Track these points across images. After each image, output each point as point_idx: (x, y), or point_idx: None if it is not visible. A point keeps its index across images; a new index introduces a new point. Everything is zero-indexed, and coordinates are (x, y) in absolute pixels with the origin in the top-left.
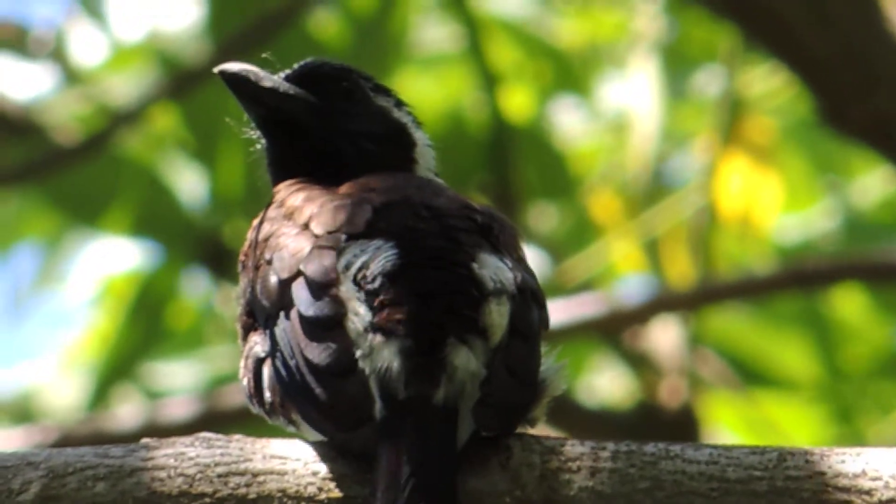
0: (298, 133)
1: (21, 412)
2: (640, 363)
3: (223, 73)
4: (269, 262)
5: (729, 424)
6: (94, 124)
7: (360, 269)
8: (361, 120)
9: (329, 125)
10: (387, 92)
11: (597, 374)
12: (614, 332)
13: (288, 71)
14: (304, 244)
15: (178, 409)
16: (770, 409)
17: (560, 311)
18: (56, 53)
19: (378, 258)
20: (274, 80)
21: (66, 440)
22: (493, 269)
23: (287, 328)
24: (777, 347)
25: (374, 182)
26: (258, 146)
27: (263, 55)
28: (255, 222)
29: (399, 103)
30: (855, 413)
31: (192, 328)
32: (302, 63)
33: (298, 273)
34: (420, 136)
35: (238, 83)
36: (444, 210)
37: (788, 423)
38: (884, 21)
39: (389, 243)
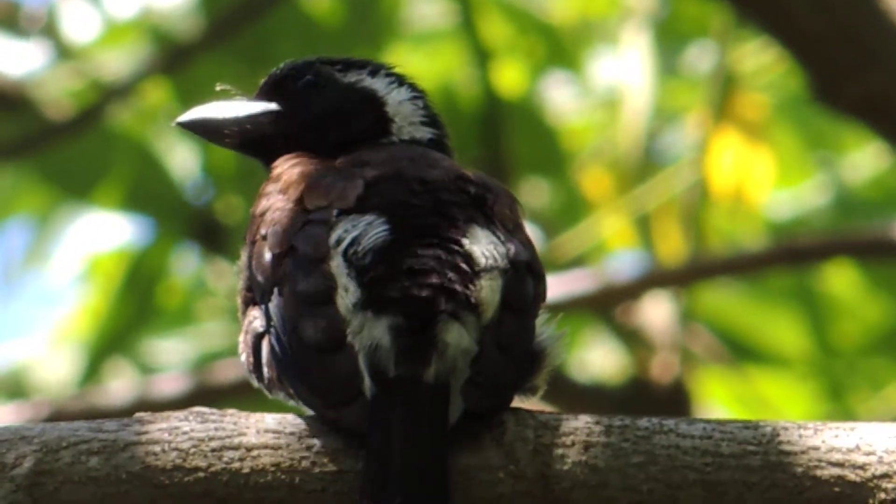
0: (269, 145)
1: (12, 388)
2: (632, 338)
3: (182, 125)
4: (264, 238)
5: (720, 400)
6: (87, 100)
7: (350, 245)
8: (324, 104)
9: (295, 125)
10: (360, 65)
11: (588, 349)
12: (606, 307)
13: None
14: (296, 219)
15: (170, 384)
16: (761, 384)
17: (552, 287)
18: (48, 29)
19: (369, 234)
20: (232, 107)
21: (58, 416)
22: (485, 243)
23: (280, 303)
24: (768, 323)
25: (368, 155)
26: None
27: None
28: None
29: (375, 71)
30: (846, 389)
31: (183, 304)
32: (267, 76)
33: (291, 248)
34: (396, 95)
35: (197, 128)
36: (437, 183)
37: (779, 400)
38: None
39: (381, 219)
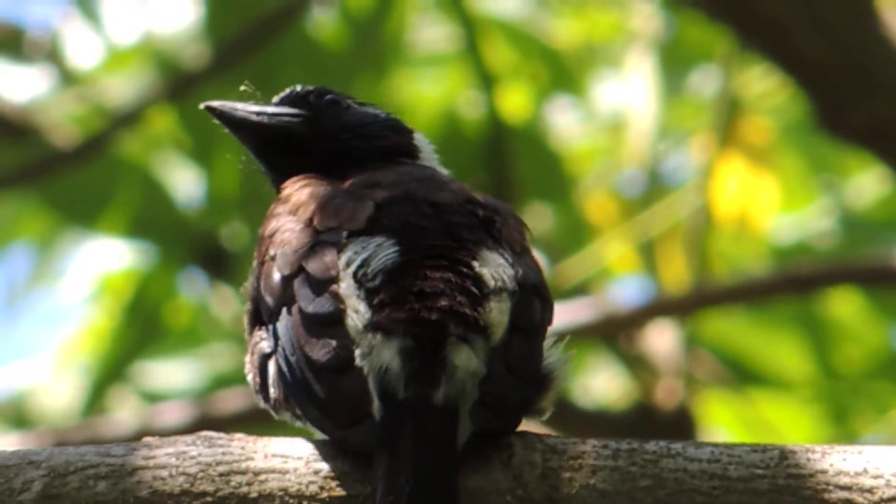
0: (295, 146)
1: (16, 416)
2: (636, 364)
3: (210, 109)
4: (273, 259)
5: (725, 424)
6: (91, 126)
7: (360, 267)
8: (352, 119)
9: (322, 130)
10: (371, 105)
11: (593, 374)
12: (610, 336)
13: (275, 99)
14: (306, 240)
15: (174, 413)
16: (765, 409)
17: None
18: (52, 55)
19: (379, 255)
20: (258, 107)
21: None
22: (493, 266)
23: (288, 324)
24: (772, 347)
25: (379, 176)
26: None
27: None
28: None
29: (385, 112)
30: (849, 413)
31: (188, 329)
32: (283, 92)
33: (300, 269)
34: (416, 131)
35: (226, 114)
36: (446, 205)
37: (784, 424)
38: (880, 26)
39: (391, 240)
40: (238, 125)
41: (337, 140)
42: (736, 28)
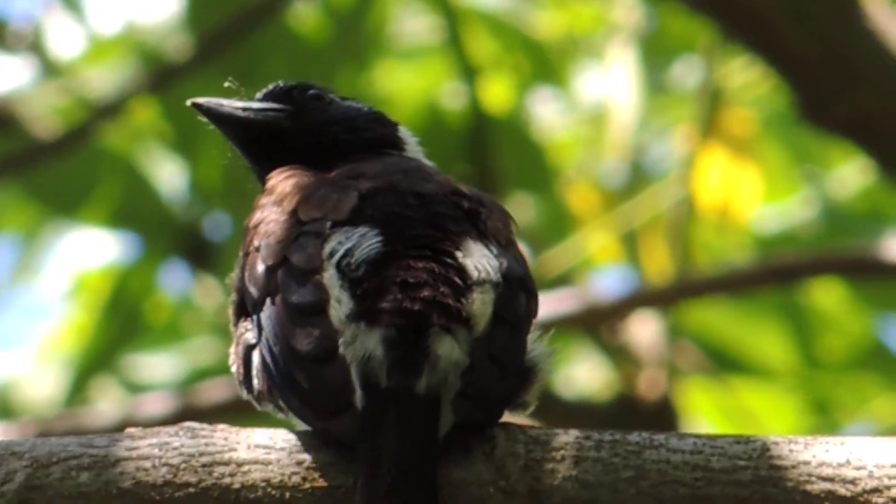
0: (280, 141)
1: None
2: (619, 355)
3: (197, 105)
4: (258, 250)
5: (706, 414)
6: (73, 117)
7: (344, 257)
8: (336, 113)
9: (307, 124)
10: (353, 99)
11: (575, 365)
12: (592, 326)
13: (259, 95)
14: (290, 231)
15: (157, 404)
16: (747, 398)
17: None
18: (34, 46)
19: (362, 246)
20: (242, 103)
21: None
22: (477, 257)
23: (272, 314)
24: (755, 338)
25: (364, 167)
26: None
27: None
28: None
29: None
30: (831, 404)
31: (170, 321)
32: (266, 88)
33: (284, 260)
34: (399, 124)
35: (212, 110)
36: (431, 196)
37: (765, 413)
38: (862, 18)
39: (374, 231)
40: (224, 121)
41: (323, 133)
42: (718, 19)
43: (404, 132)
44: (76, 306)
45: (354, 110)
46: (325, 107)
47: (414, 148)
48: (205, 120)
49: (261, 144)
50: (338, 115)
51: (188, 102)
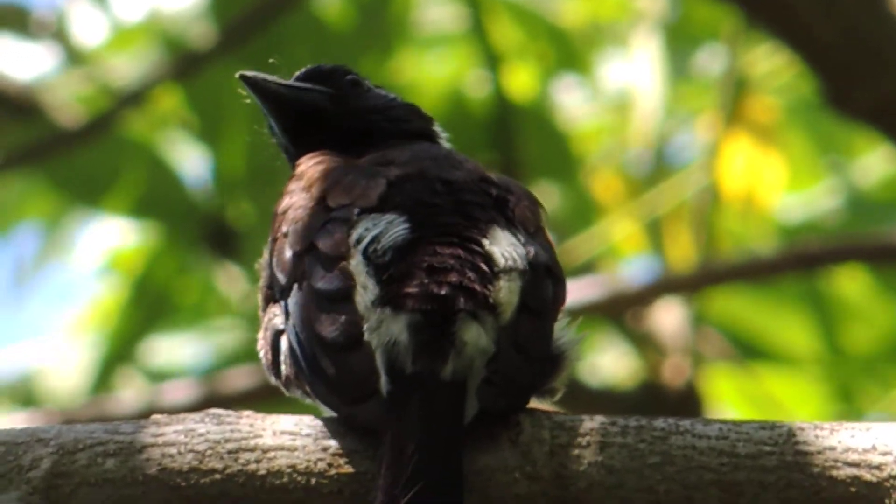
0: (322, 122)
1: (24, 394)
2: (643, 342)
3: (244, 78)
4: (286, 235)
5: (732, 402)
6: (97, 104)
7: (370, 243)
8: (377, 101)
9: (348, 108)
10: (383, 88)
11: (600, 353)
12: (616, 314)
13: (298, 73)
14: (318, 217)
15: (181, 391)
16: (772, 386)
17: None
18: (58, 34)
19: (389, 232)
20: (286, 81)
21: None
22: (504, 245)
23: (299, 300)
24: (779, 325)
25: (393, 154)
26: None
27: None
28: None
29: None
30: (856, 391)
31: (194, 309)
32: (304, 69)
33: (311, 246)
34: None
35: (259, 84)
36: (459, 184)
37: (791, 401)
38: (888, 4)
39: (402, 217)
40: (272, 96)
41: (364, 120)
42: (742, 6)
43: (438, 127)
44: (102, 290)
45: (391, 100)
46: (363, 93)
47: (444, 141)
48: (248, 94)
49: (302, 123)
50: (379, 103)
51: (237, 75)
